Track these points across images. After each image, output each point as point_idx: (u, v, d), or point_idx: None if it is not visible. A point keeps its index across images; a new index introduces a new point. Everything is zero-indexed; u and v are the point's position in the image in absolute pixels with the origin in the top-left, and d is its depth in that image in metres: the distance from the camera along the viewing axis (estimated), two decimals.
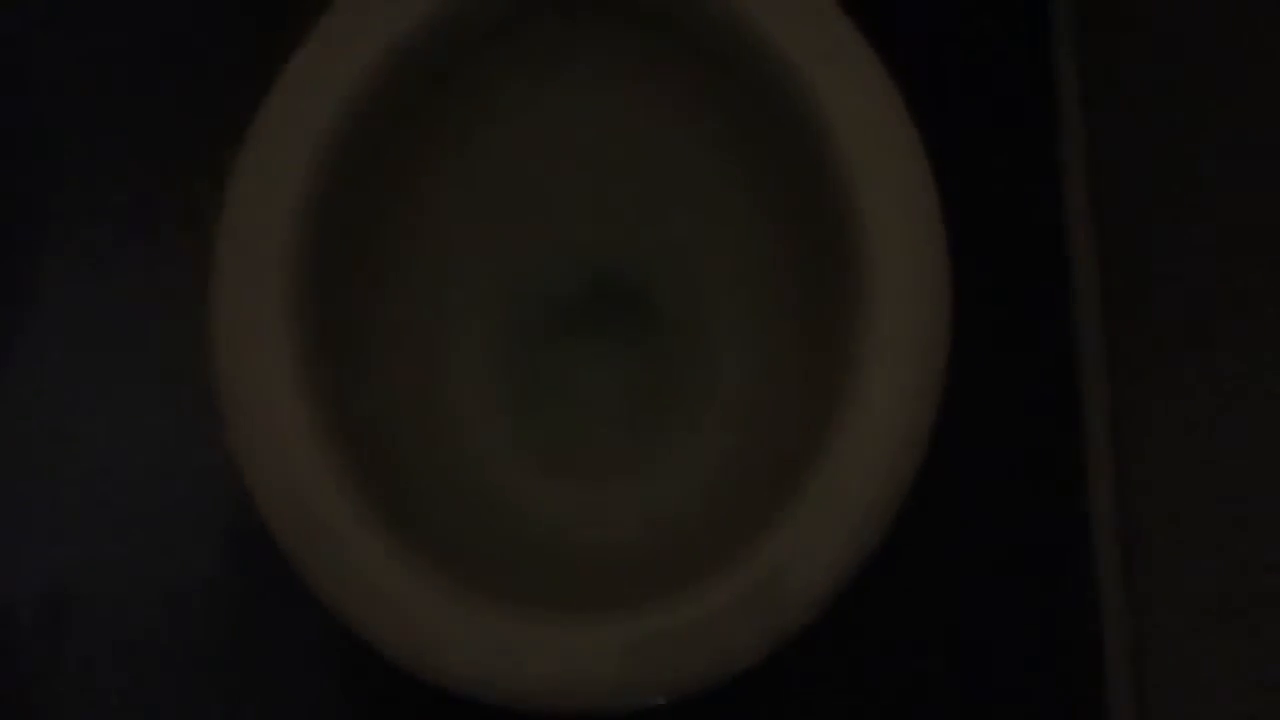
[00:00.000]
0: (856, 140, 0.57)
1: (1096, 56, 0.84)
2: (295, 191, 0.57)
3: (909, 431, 0.55)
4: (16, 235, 0.85)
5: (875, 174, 0.57)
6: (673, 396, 0.71)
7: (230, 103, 0.79)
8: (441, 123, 0.66)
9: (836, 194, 0.58)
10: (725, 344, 0.70)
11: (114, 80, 0.86)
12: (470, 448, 0.69)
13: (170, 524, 0.80)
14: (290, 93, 0.58)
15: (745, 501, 0.65)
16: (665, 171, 0.70)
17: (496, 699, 0.54)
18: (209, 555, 0.80)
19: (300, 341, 0.56)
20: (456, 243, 0.69)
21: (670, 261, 0.71)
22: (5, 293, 0.84)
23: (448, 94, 0.65)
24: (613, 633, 0.53)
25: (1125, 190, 0.82)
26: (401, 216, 0.66)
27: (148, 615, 0.79)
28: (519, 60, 0.66)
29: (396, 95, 0.61)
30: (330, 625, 0.77)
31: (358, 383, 0.62)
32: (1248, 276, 0.77)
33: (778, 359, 0.68)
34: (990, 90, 0.86)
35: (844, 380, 0.56)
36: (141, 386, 0.82)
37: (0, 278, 0.84)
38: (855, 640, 0.77)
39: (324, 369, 0.58)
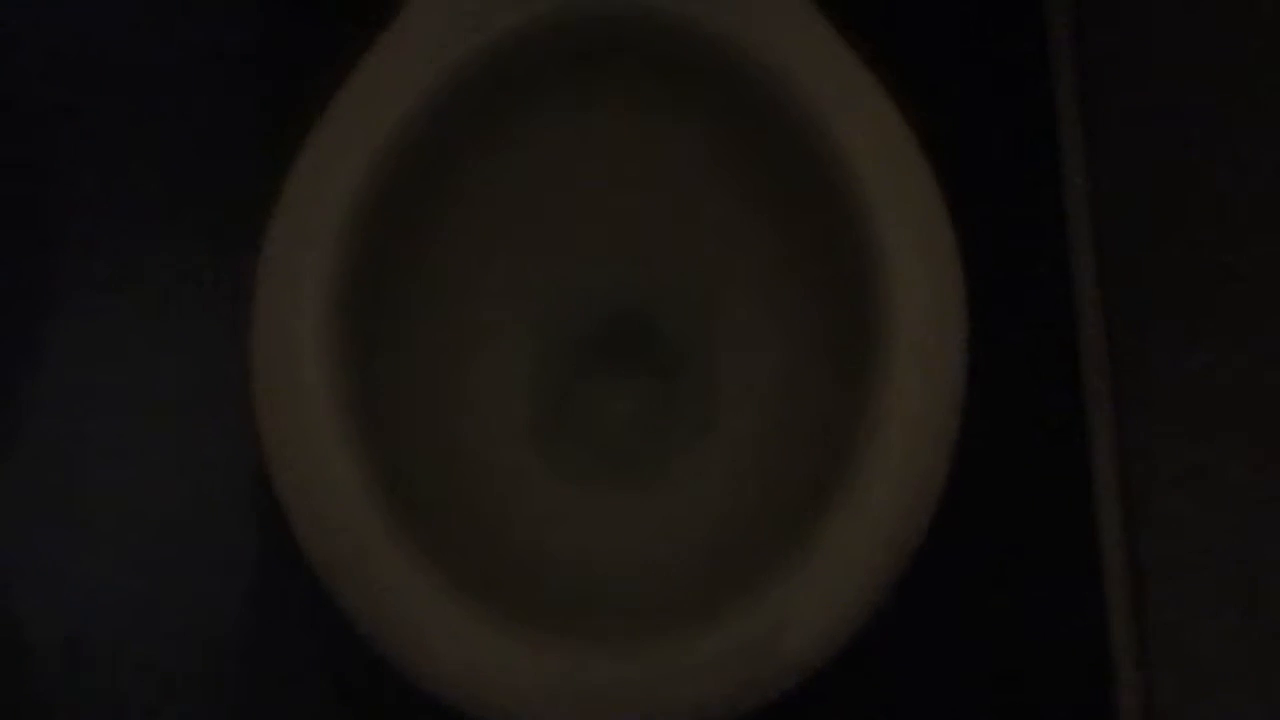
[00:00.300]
0: (879, 189, 0.59)
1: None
2: (328, 248, 0.59)
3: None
4: (38, 282, 0.86)
5: (899, 233, 0.58)
6: (686, 428, 0.72)
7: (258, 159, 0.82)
8: (466, 166, 0.68)
9: (858, 241, 0.59)
10: (739, 380, 0.72)
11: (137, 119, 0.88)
12: (492, 474, 0.70)
13: (189, 568, 0.82)
14: (323, 147, 0.60)
15: (750, 538, 0.66)
16: (684, 210, 0.71)
17: None
18: (227, 599, 0.81)
19: (339, 385, 0.58)
20: (480, 283, 0.71)
21: (688, 298, 0.72)
22: (28, 338, 0.85)
23: (473, 138, 0.67)
24: (596, 668, 0.54)
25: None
26: (429, 259, 0.68)
27: (166, 656, 0.81)
28: (541, 104, 0.68)
29: (426, 144, 0.62)
30: (346, 667, 0.78)
31: (386, 410, 0.63)
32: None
33: (791, 399, 0.69)
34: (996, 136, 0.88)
35: (859, 439, 0.57)
36: (162, 434, 0.83)
37: (24, 323, 0.86)
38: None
39: (360, 404, 0.59)
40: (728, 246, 0.71)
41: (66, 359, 0.84)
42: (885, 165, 0.59)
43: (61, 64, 0.88)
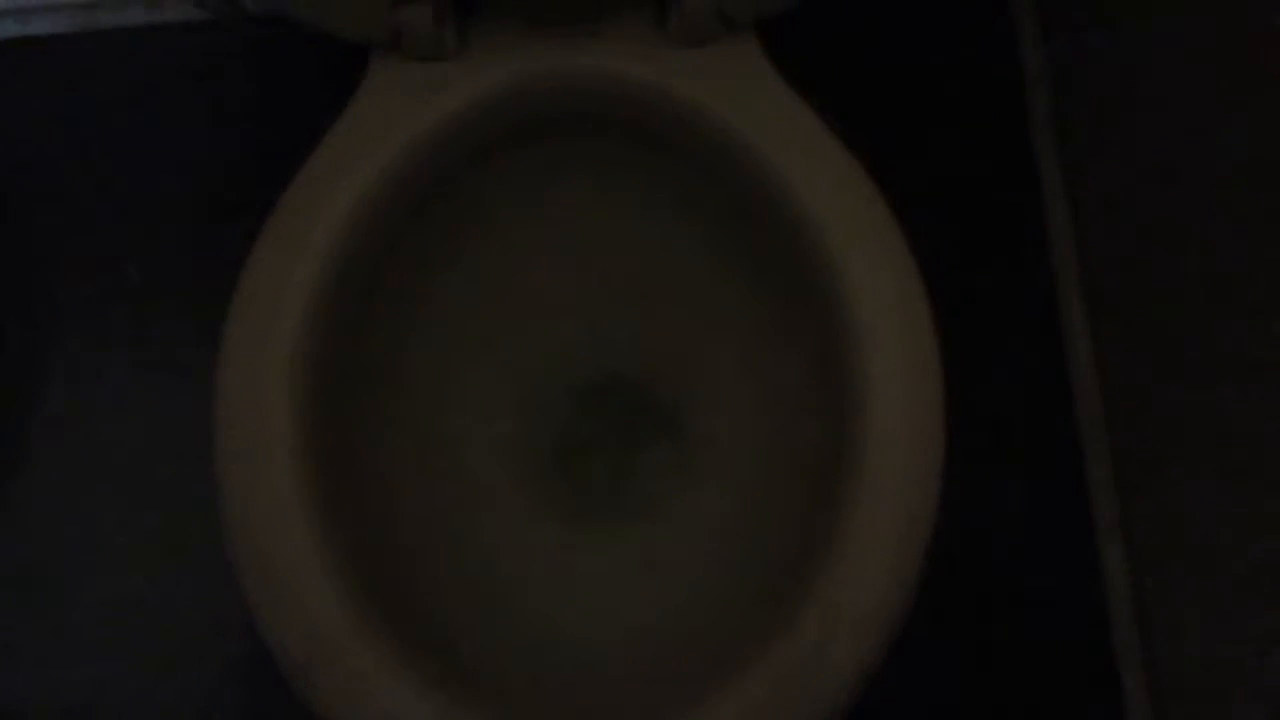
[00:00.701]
0: (845, 246, 0.59)
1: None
2: (295, 316, 0.58)
3: (924, 498, 0.56)
4: (24, 355, 0.86)
5: (868, 285, 0.58)
6: (672, 487, 0.71)
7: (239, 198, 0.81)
8: (432, 243, 0.67)
9: (828, 297, 0.59)
10: (720, 438, 0.71)
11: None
12: (478, 544, 0.69)
13: (185, 644, 0.81)
14: (291, 212, 0.59)
15: (742, 600, 0.65)
16: (658, 275, 0.71)
17: None
18: (223, 675, 0.81)
19: (304, 465, 0.57)
20: (458, 353, 0.70)
21: (666, 362, 0.72)
22: (16, 416, 0.85)
23: (436, 214, 0.66)
24: None
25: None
26: (404, 328, 0.67)
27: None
28: (519, 175, 0.67)
29: (386, 226, 0.62)
30: None
31: (365, 492, 0.63)
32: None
33: (775, 460, 0.69)
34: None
35: (853, 457, 0.57)
36: (150, 507, 0.83)
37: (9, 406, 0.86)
38: None
39: (329, 486, 0.58)
40: (703, 309, 0.70)
41: (54, 438, 0.86)
42: (851, 221, 0.59)
43: (43, 158, 0.89)
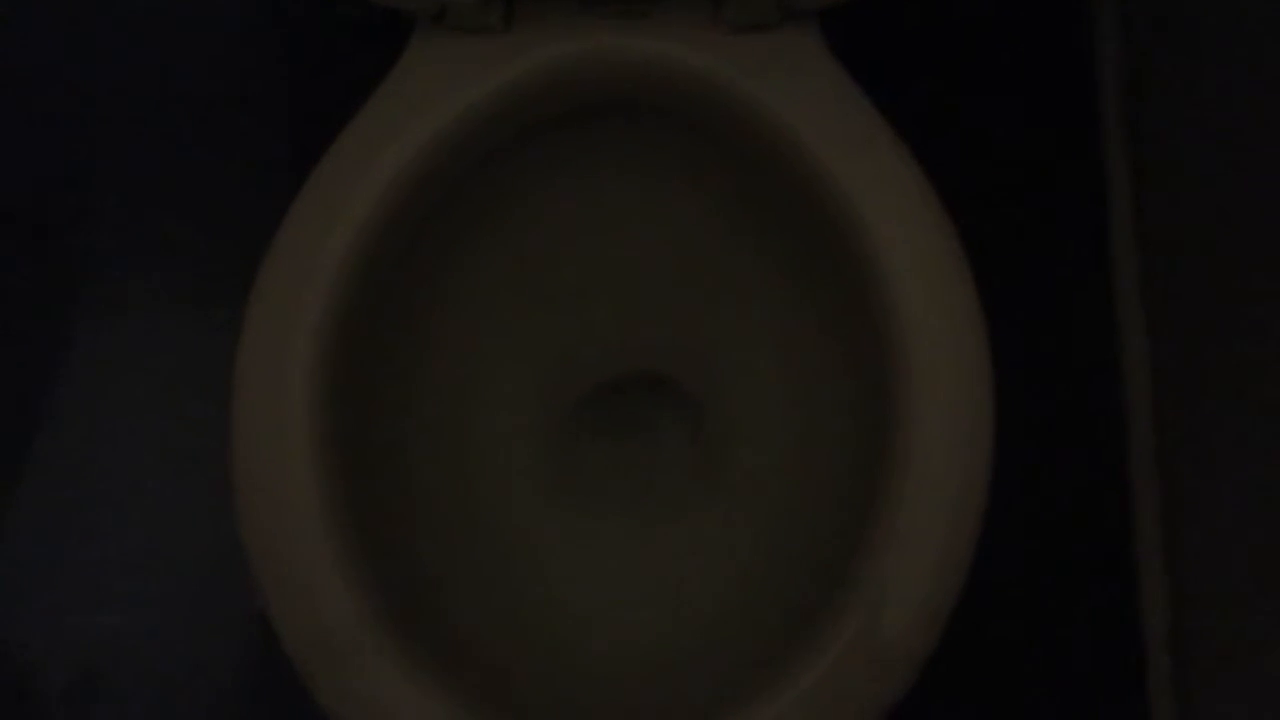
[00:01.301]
0: (892, 244, 0.56)
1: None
2: (322, 289, 0.56)
3: (973, 477, 0.54)
4: (60, 310, 0.86)
5: (922, 304, 0.56)
6: (702, 481, 0.70)
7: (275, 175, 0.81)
8: (465, 226, 0.65)
9: (871, 293, 0.57)
10: (755, 430, 0.69)
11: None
12: (500, 540, 0.67)
13: (200, 604, 0.81)
14: (329, 177, 0.58)
15: (783, 591, 0.64)
16: (693, 266, 0.69)
17: None
18: (236, 636, 0.80)
19: (321, 456, 0.55)
20: (483, 337, 0.68)
21: (698, 353, 0.70)
22: (44, 371, 0.85)
23: (471, 198, 0.64)
24: None
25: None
26: (432, 310, 0.66)
27: (175, 690, 0.80)
28: (557, 156, 0.65)
29: (418, 206, 0.60)
30: None
31: (383, 483, 0.61)
32: None
33: (809, 450, 0.67)
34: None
35: (894, 448, 0.55)
36: (176, 467, 0.83)
37: (37, 356, 0.85)
38: None
39: (344, 468, 0.57)
40: (737, 302, 0.69)
41: (79, 393, 0.85)
42: (899, 220, 0.57)
43: (83, 95, 0.88)
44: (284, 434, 0.55)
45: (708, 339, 0.70)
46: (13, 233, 0.87)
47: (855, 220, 0.57)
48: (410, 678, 0.53)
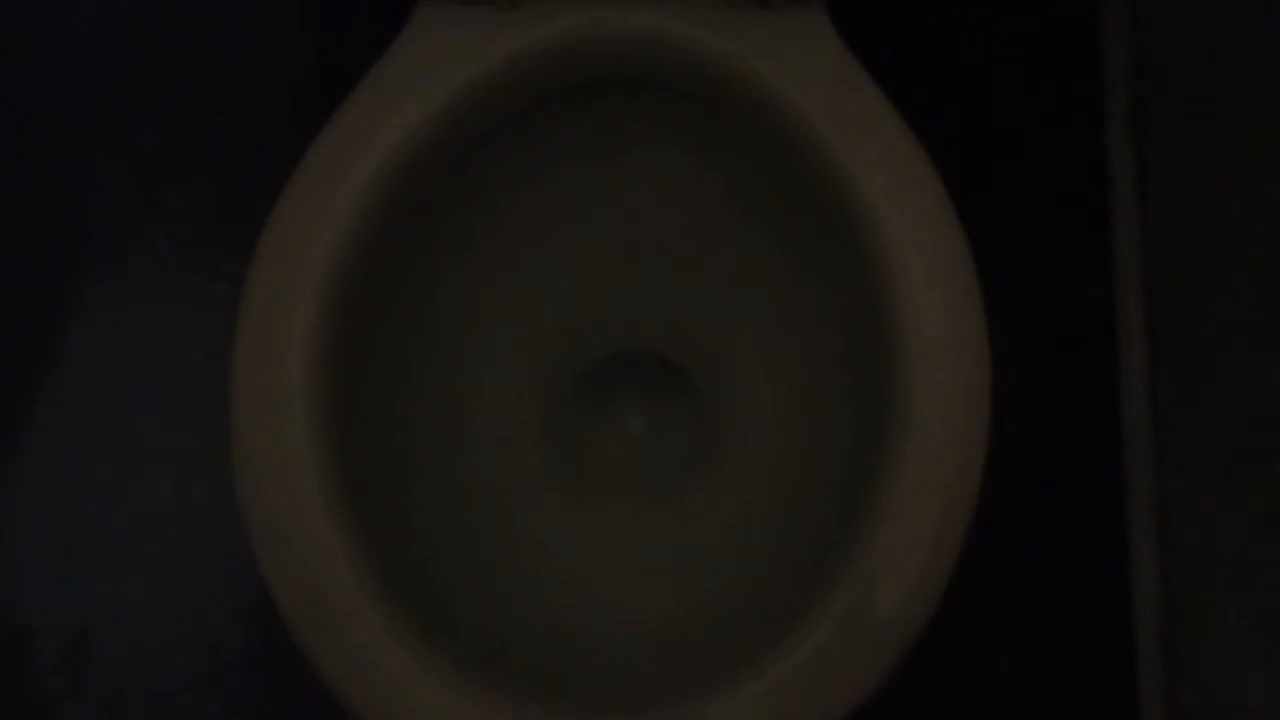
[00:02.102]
0: (895, 223, 0.56)
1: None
2: (321, 262, 0.56)
3: (969, 459, 0.54)
4: (60, 281, 0.86)
5: (923, 288, 0.56)
6: (699, 461, 0.70)
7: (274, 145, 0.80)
8: (476, 188, 0.65)
9: (872, 274, 0.57)
10: (754, 411, 0.69)
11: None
12: (496, 512, 0.68)
13: (195, 569, 0.81)
14: (329, 150, 0.57)
15: (779, 567, 0.64)
16: (695, 243, 0.69)
17: None
18: (231, 600, 0.80)
19: (318, 420, 0.55)
20: (486, 312, 0.68)
21: (699, 331, 0.70)
22: (44, 339, 0.84)
23: (473, 173, 0.64)
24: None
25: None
26: (431, 286, 0.66)
27: (168, 655, 0.80)
28: (561, 131, 0.65)
29: (419, 181, 0.60)
30: None
31: (379, 451, 0.61)
32: None
33: (806, 430, 0.67)
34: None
35: (891, 436, 0.55)
36: (175, 435, 0.83)
37: (37, 325, 0.85)
38: None
39: (342, 440, 0.57)
40: (738, 281, 0.69)
41: (78, 361, 0.85)
42: (902, 202, 0.56)
43: (83, 75, 0.88)
44: (282, 403, 0.55)
45: (707, 319, 0.70)
46: (10, 199, 0.87)
47: (858, 201, 0.57)
48: (407, 644, 0.53)
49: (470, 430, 0.68)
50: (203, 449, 0.82)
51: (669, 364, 0.71)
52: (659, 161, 0.67)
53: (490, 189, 0.66)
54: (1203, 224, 0.77)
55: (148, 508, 0.83)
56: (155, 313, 0.85)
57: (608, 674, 0.63)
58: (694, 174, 0.67)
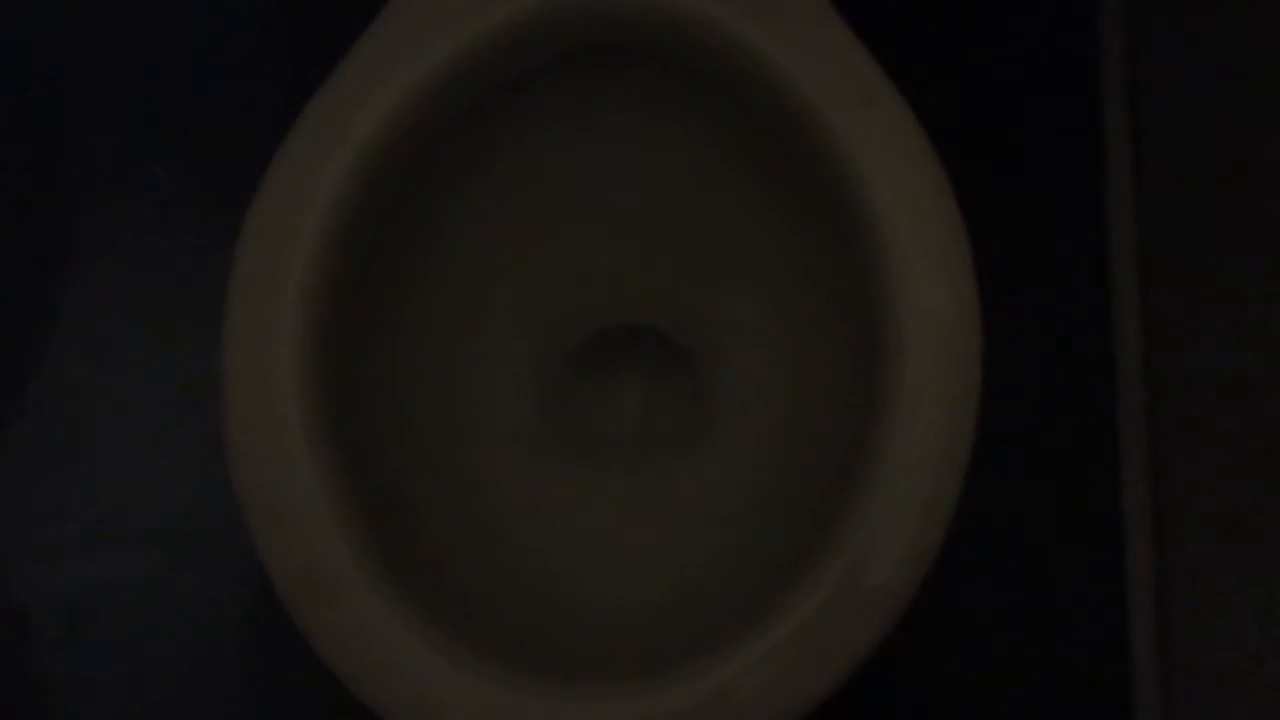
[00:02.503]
0: (889, 196, 0.56)
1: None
2: (306, 247, 0.56)
3: (959, 431, 0.54)
4: (47, 252, 0.85)
5: (917, 261, 0.56)
6: (693, 432, 0.70)
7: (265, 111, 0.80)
8: (456, 171, 0.65)
9: (864, 243, 0.57)
10: (749, 382, 0.69)
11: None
12: (490, 485, 0.68)
13: (191, 544, 0.81)
14: (309, 134, 0.57)
15: (773, 538, 0.64)
16: (690, 213, 0.69)
17: None
18: (228, 575, 0.80)
19: (310, 393, 0.55)
20: (479, 285, 0.68)
21: (695, 304, 0.70)
22: (35, 313, 0.84)
23: (463, 142, 0.64)
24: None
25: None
26: (423, 259, 0.65)
27: (163, 633, 0.80)
28: (551, 104, 0.65)
29: (409, 151, 0.59)
30: None
31: (372, 425, 0.61)
32: None
33: (800, 401, 0.67)
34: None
35: (884, 401, 0.55)
36: (168, 408, 0.83)
37: (29, 298, 0.85)
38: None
39: (336, 415, 0.57)
40: (733, 252, 0.68)
41: (73, 343, 0.85)
42: (897, 175, 0.56)
43: (70, 61, 0.87)
44: (275, 377, 0.55)
45: (701, 291, 0.70)
46: None
47: (852, 174, 0.56)
48: (403, 618, 0.53)
49: (466, 404, 0.68)
50: (197, 423, 0.82)
51: (665, 337, 0.71)
52: (652, 132, 0.67)
53: (480, 161, 0.65)
54: (1199, 192, 0.78)
55: (149, 485, 0.83)
56: (144, 289, 0.85)
57: (602, 645, 0.63)
58: (687, 144, 0.67)
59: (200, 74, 0.86)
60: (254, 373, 0.55)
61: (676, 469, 0.69)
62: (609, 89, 0.65)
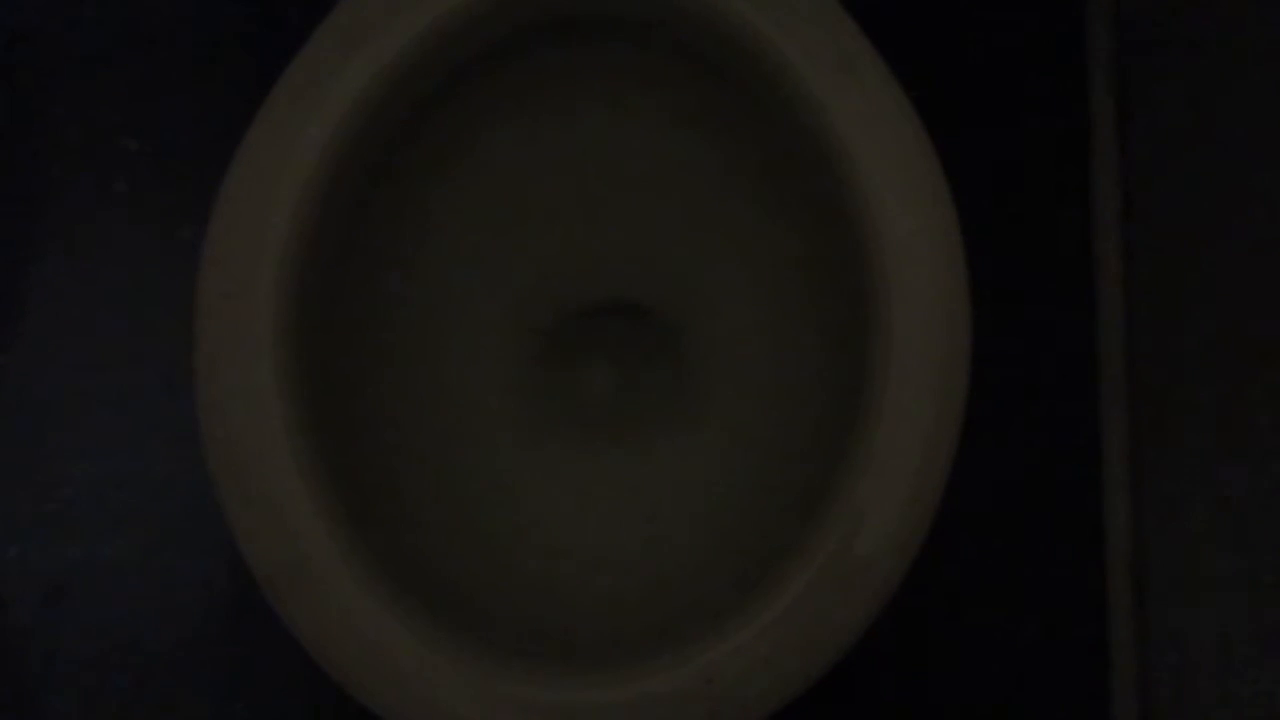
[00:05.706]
0: (880, 184, 0.55)
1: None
2: (283, 223, 0.55)
3: (945, 413, 0.54)
4: (17, 227, 0.83)
5: (902, 228, 0.55)
6: (677, 411, 0.70)
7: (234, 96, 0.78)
8: (443, 139, 0.64)
9: (860, 247, 0.56)
10: (732, 358, 0.69)
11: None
12: (472, 468, 0.67)
13: (170, 525, 0.80)
14: (276, 122, 0.56)
15: (758, 516, 0.64)
16: (678, 200, 0.68)
17: None
18: (208, 557, 0.80)
19: (288, 374, 0.55)
20: (458, 263, 0.67)
21: (680, 288, 0.69)
22: (7, 289, 0.83)
23: (453, 107, 0.63)
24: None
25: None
26: (397, 243, 0.65)
27: (145, 614, 0.80)
28: (530, 80, 0.64)
29: (387, 121, 0.58)
30: None
31: (351, 409, 0.61)
32: None
33: (785, 376, 0.67)
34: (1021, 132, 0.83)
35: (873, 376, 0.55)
36: (147, 386, 0.82)
37: (2, 276, 0.83)
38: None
39: (313, 401, 0.56)
40: (716, 226, 0.68)
41: (46, 321, 0.83)
42: (879, 140, 0.55)
43: (37, 11, 0.86)
44: (250, 362, 0.54)
45: (685, 266, 0.69)
46: None
47: (833, 141, 0.56)
48: (386, 604, 0.53)
49: (446, 388, 0.67)
50: (175, 403, 0.81)
51: (646, 313, 0.70)
52: (630, 106, 0.66)
53: (454, 142, 0.64)
54: (1185, 164, 0.78)
55: (123, 464, 0.82)
56: (118, 268, 0.83)
57: (589, 627, 0.63)
58: (666, 118, 0.66)
59: (175, 53, 0.84)
60: (230, 354, 0.55)
61: (660, 450, 0.69)
62: (586, 65, 0.64)
